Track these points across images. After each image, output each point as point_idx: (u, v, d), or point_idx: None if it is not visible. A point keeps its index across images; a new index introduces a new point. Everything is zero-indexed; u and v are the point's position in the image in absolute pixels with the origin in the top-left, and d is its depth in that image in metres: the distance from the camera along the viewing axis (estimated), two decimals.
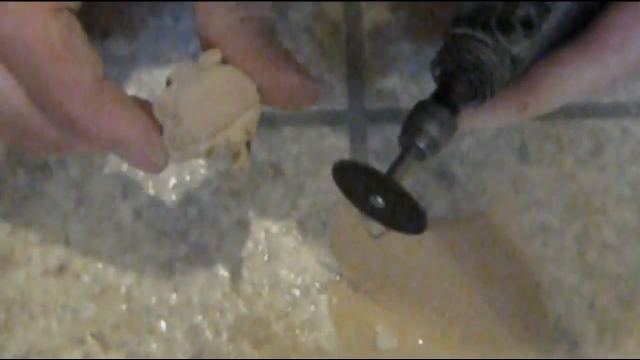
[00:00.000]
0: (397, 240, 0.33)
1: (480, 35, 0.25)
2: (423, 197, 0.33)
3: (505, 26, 0.25)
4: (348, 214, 0.33)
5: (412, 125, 0.25)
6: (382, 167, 0.33)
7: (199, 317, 0.33)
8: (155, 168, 0.25)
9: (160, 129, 0.25)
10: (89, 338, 0.32)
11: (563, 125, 0.34)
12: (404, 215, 0.26)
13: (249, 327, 0.32)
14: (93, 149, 0.25)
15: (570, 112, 0.34)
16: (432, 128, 0.25)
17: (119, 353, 0.32)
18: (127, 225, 0.33)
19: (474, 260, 0.33)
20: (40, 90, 0.23)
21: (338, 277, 0.33)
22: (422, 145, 0.25)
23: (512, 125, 0.34)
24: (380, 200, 0.26)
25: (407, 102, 0.34)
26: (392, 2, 0.35)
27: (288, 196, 0.33)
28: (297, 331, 0.32)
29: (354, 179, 0.26)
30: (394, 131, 0.34)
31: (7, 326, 0.32)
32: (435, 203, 0.33)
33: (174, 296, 0.33)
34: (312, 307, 0.33)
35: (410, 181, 0.34)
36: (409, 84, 0.34)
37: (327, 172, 0.34)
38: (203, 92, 0.25)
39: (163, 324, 0.33)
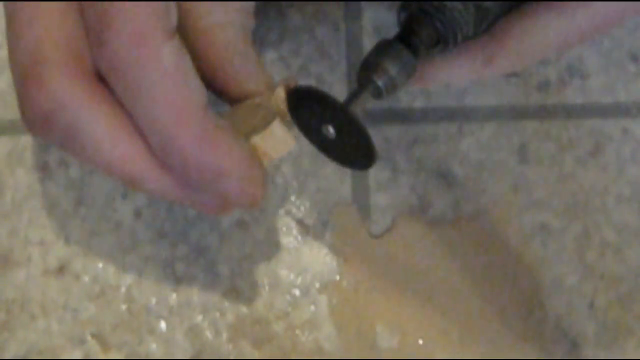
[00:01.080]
0: (397, 240, 0.33)
1: None
2: (423, 197, 0.33)
3: None
4: (348, 214, 0.33)
5: (372, 62, 0.25)
6: (382, 167, 0.34)
7: (199, 317, 0.33)
8: (254, 202, 0.24)
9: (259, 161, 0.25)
10: (89, 338, 0.32)
11: (563, 125, 0.34)
12: (354, 148, 0.25)
13: (249, 327, 0.32)
14: (200, 187, 0.24)
15: (570, 112, 0.34)
16: (391, 67, 0.25)
17: (119, 353, 0.32)
18: (127, 225, 0.33)
19: (473, 260, 0.33)
20: (151, 115, 0.22)
21: (338, 277, 0.33)
22: (380, 82, 0.25)
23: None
24: (332, 130, 0.25)
25: (407, 102, 0.34)
26: (392, 2, 0.34)
27: (288, 196, 0.33)
28: (297, 331, 0.32)
29: (308, 107, 0.25)
30: (394, 131, 0.34)
31: (7, 326, 0.32)
32: (435, 203, 0.33)
33: (174, 296, 0.33)
34: (312, 307, 0.33)
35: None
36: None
37: (327, 172, 0.34)
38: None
39: (163, 324, 0.33)
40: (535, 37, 0.27)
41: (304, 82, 0.34)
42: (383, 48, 0.25)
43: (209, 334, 0.32)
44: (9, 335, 0.32)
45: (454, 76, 0.28)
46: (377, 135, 0.34)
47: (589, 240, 0.33)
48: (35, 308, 0.33)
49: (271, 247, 0.33)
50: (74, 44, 0.23)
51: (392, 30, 0.34)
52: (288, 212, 0.33)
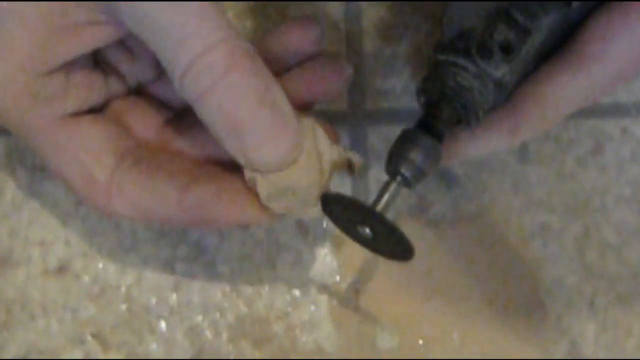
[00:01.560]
0: None
1: (461, 61, 0.25)
2: (423, 197, 0.33)
3: (484, 51, 0.25)
4: None
5: (397, 154, 0.25)
6: (382, 167, 0.33)
7: (199, 317, 0.33)
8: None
9: (287, 209, 0.26)
10: (89, 338, 0.32)
11: (563, 125, 0.34)
12: (391, 244, 0.26)
13: (249, 327, 0.32)
14: None
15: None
16: (417, 156, 0.25)
17: (119, 353, 0.32)
18: (127, 225, 0.33)
19: (474, 260, 0.33)
20: None
21: (338, 278, 0.33)
22: (407, 174, 0.25)
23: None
24: (367, 230, 0.26)
25: (407, 102, 0.34)
26: (392, 2, 0.34)
27: None
28: (297, 331, 0.32)
29: (341, 210, 0.26)
30: (394, 131, 0.34)
31: (7, 326, 0.32)
32: (435, 203, 0.33)
33: (174, 296, 0.33)
34: (312, 307, 0.33)
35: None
36: (409, 84, 0.34)
37: None
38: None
39: (163, 324, 0.33)
40: (556, 100, 0.27)
41: None
42: (407, 138, 0.26)
43: (209, 334, 0.32)
44: (9, 335, 0.32)
45: (481, 150, 0.28)
46: (377, 135, 0.34)
47: (589, 240, 0.33)
48: (35, 308, 0.33)
49: (271, 247, 0.33)
50: (82, 166, 0.27)
51: (392, 30, 0.34)
52: None
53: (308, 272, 0.33)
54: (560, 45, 0.27)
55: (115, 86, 0.28)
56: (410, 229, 0.33)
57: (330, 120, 0.34)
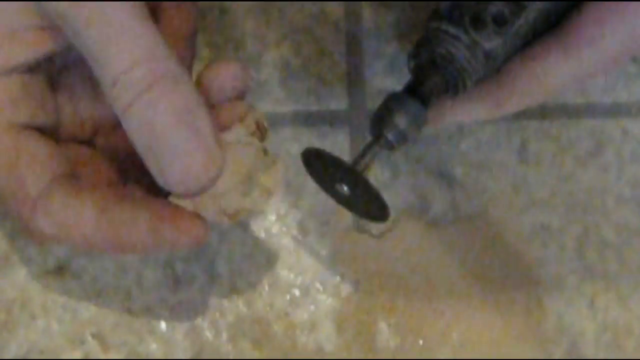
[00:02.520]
0: (397, 240, 0.33)
1: (453, 30, 0.26)
2: (423, 197, 0.33)
3: (477, 22, 0.25)
4: (348, 214, 0.33)
5: (381, 116, 0.26)
6: (382, 167, 0.34)
7: (199, 317, 0.33)
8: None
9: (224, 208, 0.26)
10: (89, 338, 0.32)
11: (563, 125, 0.34)
12: (368, 203, 0.26)
13: (249, 327, 0.32)
14: None
15: (570, 112, 0.34)
16: (401, 120, 0.25)
17: (119, 353, 0.32)
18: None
19: (473, 260, 0.33)
20: None
21: (338, 277, 0.33)
22: (390, 136, 0.25)
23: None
24: (345, 188, 0.26)
25: None
26: (392, 2, 0.34)
27: (288, 196, 0.33)
28: (297, 331, 0.32)
29: (322, 167, 0.27)
30: None
31: (7, 326, 0.32)
32: (435, 203, 0.33)
33: (174, 296, 0.33)
34: (312, 307, 0.33)
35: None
36: None
37: None
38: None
39: (163, 324, 0.33)
40: (544, 79, 0.27)
41: (304, 83, 0.34)
42: (393, 101, 0.26)
43: (209, 334, 0.32)
44: (9, 335, 0.32)
45: (463, 118, 0.28)
46: None
47: (589, 240, 0.33)
48: (35, 308, 0.33)
49: (271, 247, 0.33)
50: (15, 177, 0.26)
51: (392, 30, 0.34)
52: (288, 213, 0.33)
53: (308, 272, 0.33)
54: (553, 25, 0.27)
55: (68, 109, 0.28)
56: (410, 229, 0.33)
57: (331, 120, 0.34)
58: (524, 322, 0.33)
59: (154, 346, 0.32)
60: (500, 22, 0.25)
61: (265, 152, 0.27)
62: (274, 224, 0.33)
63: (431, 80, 0.26)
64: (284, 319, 0.33)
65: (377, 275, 0.33)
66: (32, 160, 0.26)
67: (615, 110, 0.34)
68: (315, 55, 0.34)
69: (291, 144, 0.34)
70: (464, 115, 0.28)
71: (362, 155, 0.26)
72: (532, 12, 0.26)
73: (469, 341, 0.32)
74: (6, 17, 0.25)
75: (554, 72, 0.27)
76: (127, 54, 0.23)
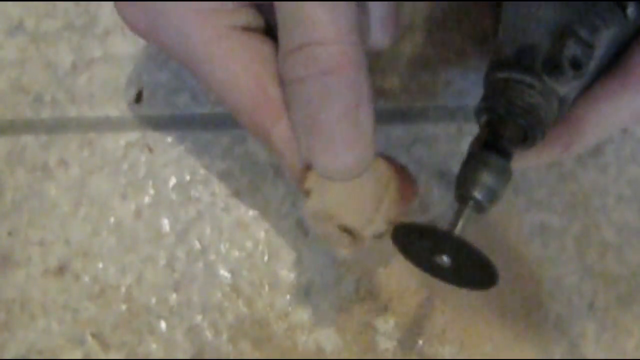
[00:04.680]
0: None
1: (527, 78, 0.25)
2: (423, 197, 0.33)
3: (552, 68, 0.24)
4: None
5: (467, 178, 0.25)
6: None
7: (199, 317, 0.33)
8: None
9: (323, 233, 0.26)
10: (89, 338, 0.32)
11: None
12: (473, 270, 0.25)
13: (249, 327, 0.32)
14: None
15: None
16: (489, 178, 0.24)
17: (119, 353, 0.32)
18: (127, 225, 0.33)
19: None
20: None
21: (338, 277, 0.33)
22: (480, 196, 0.25)
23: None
24: (445, 258, 0.25)
25: (407, 102, 0.34)
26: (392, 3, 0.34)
27: (288, 196, 0.33)
28: (297, 331, 0.32)
29: (414, 240, 0.26)
30: (394, 131, 0.34)
31: (7, 326, 0.32)
32: (435, 203, 0.33)
33: (174, 296, 0.33)
34: (312, 307, 0.33)
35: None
36: (409, 83, 0.34)
37: None
38: (343, 186, 0.25)
39: (163, 324, 0.33)
40: (611, 119, 0.26)
41: None
42: (475, 160, 0.25)
43: (209, 334, 0.32)
44: (9, 335, 0.32)
45: (533, 163, 0.28)
46: (377, 135, 0.34)
47: (589, 240, 0.33)
48: (35, 308, 0.33)
49: (271, 247, 0.33)
50: (255, 76, 0.25)
51: None
52: (288, 213, 0.33)
53: (308, 272, 0.33)
54: (616, 59, 0.26)
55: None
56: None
57: None
58: (524, 322, 0.33)
59: (154, 346, 0.32)
60: (576, 65, 0.24)
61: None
62: (274, 224, 0.33)
63: (509, 133, 0.25)
64: (284, 319, 0.33)
65: (378, 276, 0.33)
66: (264, 60, 0.25)
67: None
68: None
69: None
70: (535, 160, 0.28)
71: (456, 220, 0.25)
72: (599, 52, 0.25)
73: (469, 341, 0.32)
74: None
75: (621, 111, 0.26)
76: (324, 29, 0.23)
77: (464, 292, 0.33)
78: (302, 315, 0.33)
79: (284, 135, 0.25)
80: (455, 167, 0.33)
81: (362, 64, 0.23)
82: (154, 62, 0.35)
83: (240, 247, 0.33)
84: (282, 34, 0.23)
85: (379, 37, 0.27)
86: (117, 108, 0.34)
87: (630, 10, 0.25)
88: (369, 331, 0.32)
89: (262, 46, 0.26)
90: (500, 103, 0.25)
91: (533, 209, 0.33)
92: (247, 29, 0.26)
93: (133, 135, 0.34)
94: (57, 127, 0.34)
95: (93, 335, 0.32)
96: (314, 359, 0.32)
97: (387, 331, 0.32)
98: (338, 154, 0.24)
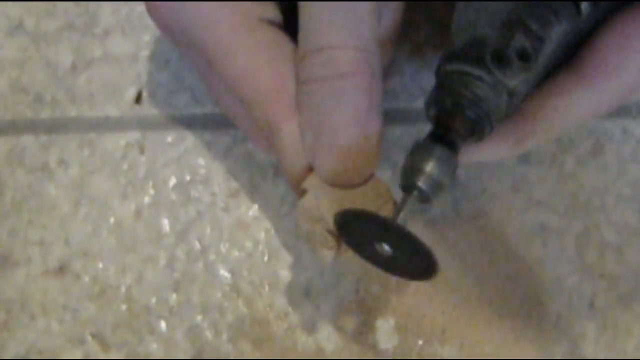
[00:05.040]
0: None
1: (475, 70, 0.24)
2: None
3: (500, 60, 0.24)
4: None
5: (411, 167, 0.25)
6: (382, 167, 0.34)
7: (199, 317, 0.33)
8: None
9: (309, 232, 0.26)
10: (89, 338, 0.32)
11: None
12: (413, 261, 0.25)
13: (249, 327, 0.32)
14: None
15: None
16: (433, 168, 0.24)
17: (119, 353, 0.32)
18: (127, 225, 0.33)
19: (473, 260, 0.33)
20: None
21: (338, 277, 0.33)
22: (424, 186, 0.25)
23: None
24: (386, 247, 0.25)
25: (407, 102, 0.34)
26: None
27: (288, 196, 0.33)
28: (297, 331, 0.32)
29: (357, 227, 0.25)
30: (394, 131, 0.34)
31: (7, 326, 0.32)
32: (435, 203, 0.33)
33: (174, 296, 0.33)
34: (312, 307, 0.33)
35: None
36: (409, 84, 0.34)
37: None
38: (340, 193, 0.25)
39: (163, 324, 0.33)
40: (566, 114, 0.26)
41: None
42: (420, 151, 0.25)
43: (209, 334, 0.32)
44: (9, 335, 0.32)
45: (484, 158, 0.28)
46: None
47: (589, 240, 0.33)
48: (35, 308, 0.33)
49: (271, 247, 0.33)
50: (274, 69, 0.25)
51: None
52: (288, 213, 0.33)
53: (308, 272, 0.33)
54: (570, 56, 0.26)
55: None
56: (410, 229, 0.33)
57: None
58: (524, 322, 0.33)
59: (154, 346, 0.32)
60: (524, 57, 0.24)
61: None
62: (274, 224, 0.33)
63: (457, 125, 0.25)
64: (284, 319, 0.33)
65: (377, 275, 0.33)
66: (286, 55, 0.25)
67: (616, 110, 0.34)
68: None
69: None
70: (486, 155, 0.28)
71: (399, 210, 0.25)
72: (549, 45, 0.25)
73: (469, 341, 0.32)
74: None
75: (575, 107, 0.26)
76: (345, 33, 0.23)
77: (464, 292, 0.33)
78: (302, 315, 0.33)
79: (294, 133, 0.25)
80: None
81: (378, 73, 0.24)
82: (154, 62, 0.35)
83: (240, 247, 0.33)
84: (304, 33, 0.24)
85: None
86: (117, 108, 0.34)
87: (584, 6, 0.25)
88: (369, 331, 0.32)
89: (285, 42, 0.26)
90: (447, 95, 0.25)
91: (533, 209, 0.33)
92: (272, 23, 0.26)
93: (133, 135, 0.34)
94: (57, 127, 0.34)
95: (93, 335, 0.32)
96: (314, 359, 0.32)
97: (387, 331, 0.32)
98: (342, 158, 0.24)
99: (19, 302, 0.33)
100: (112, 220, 0.33)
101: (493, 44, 0.24)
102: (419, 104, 0.34)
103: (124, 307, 0.33)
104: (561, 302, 0.33)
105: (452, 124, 0.25)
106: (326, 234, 0.26)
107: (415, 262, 0.25)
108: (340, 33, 0.23)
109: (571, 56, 0.26)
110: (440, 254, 0.33)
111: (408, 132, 0.34)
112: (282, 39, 0.26)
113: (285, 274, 0.33)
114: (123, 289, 0.33)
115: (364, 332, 0.32)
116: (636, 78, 0.25)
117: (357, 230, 0.26)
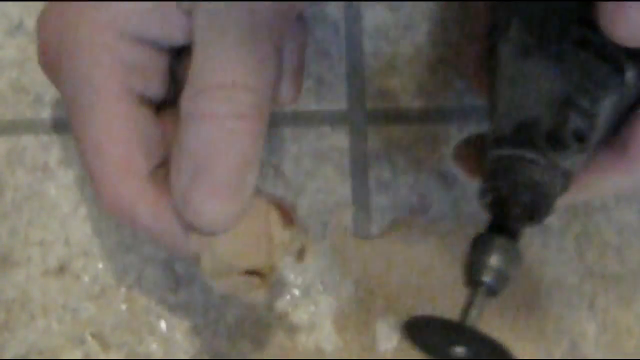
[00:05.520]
0: (397, 240, 0.33)
1: (530, 154, 0.24)
2: (423, 197, 0.33)
3: (556, 142, 0.23)
4: (348, 214, 0.33)
5: (476, 263, 0.24)
6: (382, 167, 0.34)
7: (199, 317, 0.33)
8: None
9: (228, 287, 0.25)
10: (89, 338, 0.32)
11: None
12: (489, 357, 0.25)
13: (248, 327, 0.32)
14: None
15: None
16: (498, 262, 0.24)
17: (119, 353, 0.32)
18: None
19: None
20: None
21: (338, 278, 0.33)
22: (490, 281, 0.24)
23: None
24: (460, 350, 0.25)
25: (407, 102, 0.34)
26: (392, 2, 0.34)
27: (288, 196, 0.33)
28: (297, 331, 0.32)
29: (428, 333, 0.25)
30: (394, 131, 0.34)
31: (7, 326, 0.32)
32: (435, 203, 0.33)
33: (174, 296, 0.33)
34: (312, 307, 0.33)
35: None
36: (409, 84, 0.34)
37: (327, 172, 0.33)
38: (229, 235, 0.25)
39: (163, 324, 0.33)
40: (601, 189, 0.26)
41: (304, 83, 0.34)
42: (482, 244, 0.24)
43: (209, 334, 0.32)
44: (9, 335, 0.32)
45: None
46: (377, 135, 0.34)
47: (589, 240, 0.33)
48: (35, 308, 0.33)
49: None
50: (126, 147, 0.25)
51: (392, 30, 0.34)
52: None
53: (308, 272, 0.33)
54: (617, 127, 0.26)
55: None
56: (410, 229, 0.33)
57: (331, 120, 0.34)
58: (524, 322, 0.33)
59: (154, 346, 0.32)
60: (580, 139, 0.23)
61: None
62: None
63: (516, 212, 0.24)
64: (284, 319, 0.33)
65: (377, 276, 0.33)
66: (148, 136, 0.25)
67: None
68: (315, 55, 0.34)
69: (291, 144, 0.34)
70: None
71: (467, 308, 0.24)
72: (601, 122, 0.24)
73: None
74: None
75: (611, 186, 0.26)
76: (249, 72, 0.23)
77: (464, 292, 0.33)
78: (302, 315, 0.33)
79: (151, 210, 0.25)
80: (456, 168, 0.34)
81: (265, 115, 0.24)
82: None
83: None
84: (200, 69, 0.23)
85: (286, 92, 0.27)
86: None
87: (630, 75, 0.24)
88: (369, 331, 0.32)
89: (152, 121, 0.26)
90: (503, 182, 0.24)
91: None
92: (141, 95, 0.25)
93: None
94: (57, 127, 0.34)
95: (93, 335, 0.32)
96: (314, 359, 0.32)
97: (387, 331, 0.32)
98: (218, 205, 0.23)
99: (19, 302, 0.33)
100: (112, 220, 0.33)
101: (547, 125, 0.24)
102: (419, 103, 0.34)
103: (124, 307, 0.33)
104: (561, 302, 0.33)
105: (510, 211, 0.24)
106: (246, 278, 0.25)
107: (490, 357, 0.25)
108: (243, 73, 0.23)
109: (618, 127, 0.26)
110: (440, 254, 0.33)
111: (408, 132, 0.34)
112: (145, 114, 0.25)
113: (285, 274, 0.33)
114: (123, 289, 0.33)
115: (363, 332, 0.32)
116: None
117: (427, 335, 0.25)
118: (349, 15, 0.34)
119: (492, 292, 0.24)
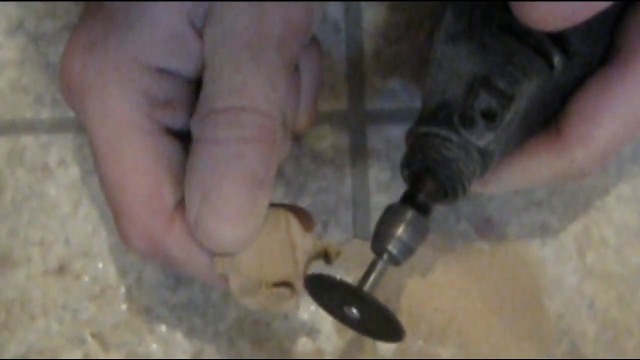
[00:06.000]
0: None
1: (443, 131, 0.25)
2: None
3: (466, 120, 0.24)
4: (348, 214, 0.33)
5: (382, 231, 0.25)
6: (382, 167, 0.34)
7: (199, 317, 0.33)
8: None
9: (261, 303, 0.26)
10: (89, 338, 0.32)
11: None
12: (380, 325, 0.25)
13: (248, 327, 0.32)
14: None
15: None
16: (404, 233, 0.24)
17: (119, 353, 0.32)
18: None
19: (473, 261, 0.33)
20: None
21: (338, 278, 0.33)
22: (394, 251, 0.24)
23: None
24: (354, 311, 0.25)
25: (407, 102, 0.34)
26: (392, 2, 0.35)
27: (288, 196, 0.33)
28: (297, 332, 0.32)
29: (326, 292, 0.26)
30: (394, 131, 0.34)
31: (7, 326, 0.32)
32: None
33: (174, 296, 0.33)
34: (312, 307, 0.33)
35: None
36: (409, 84, 0.34)
37: (327, 172, 0.33)
38: (252, 252, 0.25)
39: (163, 324, 0.33)
40: (531, 175, 0.27)
41: None
42: (391, 214, 0.25)
43: (209, 334, 0.32)
44: (9, 335, 0.32)
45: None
46: (377, 135, 0.34)
47: (589, 240, 0.33)
48: (35, 308, 0.33)
49: None
50: (154, 181, 0.24)
51: (392, 30, 0.34)
52: None
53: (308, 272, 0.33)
54: (552, 110, 0.26)
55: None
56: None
57: (331, 120, 0.34)
58: (524, 322, 0.33)
59: (154, 346, 0.32)
60: (490, 117, 0.24)
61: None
62: None
63: (427, 187, 0.25)
64: (284, 319, 0.33)
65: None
66: (175, 168, 0.25)
67: None
68: None
69: (291, 144, 0.34)
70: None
71: (367, 274, 0.25)
72: (521, 102, 0.24)
73: (469, 341, 0.32)
74: (169, 18, 0.24)
75: (542, 170, 0.26)
76: (259, 95, 0.23)
77: (464, 292, 0.33)
78: (302, 315, 0.33)
79: (180, 239, 0.25)
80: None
81: (278, 142, 0.24)
82: None
83: None
84: (211, 92, 0.23)
85: (301, 115, 0.28)
86: None
87: (557, 60, 0.24)
88: None
89: (178, 152, 0.25)
90: (418, 157, 0.25)
91: (533, 209, 0.33)
92: (167, 128, 0.25)
93: None
94: (57, 127, 0.34)
95: (93, 335, 0.32)
96: (314, 359, 0.32)
97: None
98: (229, 227, 0.23)
99: (19, 302, 0.33)
100: (112, 220, 0.33)
101: (460, 104, 0.25)
102: (419, 104, 0.34)
103: (124, 307, 0.33)
104: (561, 302, 0.33)
105: (424, 185, 0.25)
106: (276, 290, 0.25)
107: (382, 326, 0.25)
108: (253, 96, 0.23)
109: (554, 110, 0.26)
110: (439, 254, 0.33)
111: None
112: (170, 145, 0.25)
113: None
114: (123, 289, 0.33)
115: None
116: (605, 147, 0.25)
117: (325, 293, 0.26)
118: (349, 15, 0.34)
119: (395, 262, 0.25)
